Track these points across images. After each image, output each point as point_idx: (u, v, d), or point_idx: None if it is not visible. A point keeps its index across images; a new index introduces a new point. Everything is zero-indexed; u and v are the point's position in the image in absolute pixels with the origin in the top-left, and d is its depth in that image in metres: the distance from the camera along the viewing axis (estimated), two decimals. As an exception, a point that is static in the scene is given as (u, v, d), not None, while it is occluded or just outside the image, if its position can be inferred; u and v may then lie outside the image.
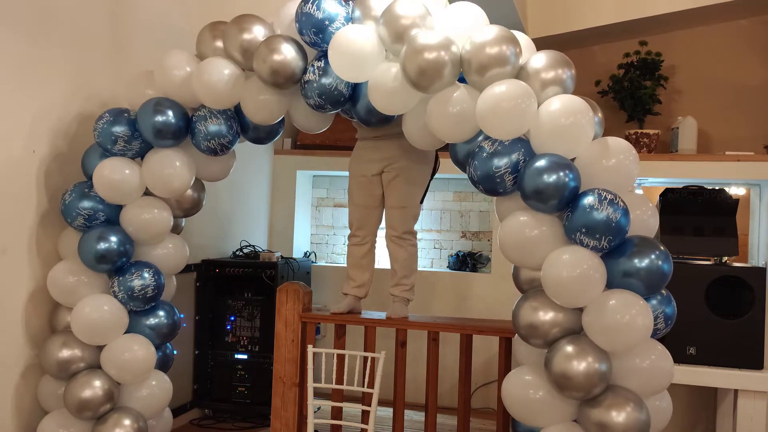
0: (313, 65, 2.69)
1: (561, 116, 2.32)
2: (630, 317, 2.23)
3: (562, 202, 2.32)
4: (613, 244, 2.27)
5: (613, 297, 2.27)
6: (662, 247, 2.31)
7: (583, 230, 2.26)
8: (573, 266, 2.26)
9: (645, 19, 4.66)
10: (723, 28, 4.84)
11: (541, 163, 2.32)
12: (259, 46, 2.68)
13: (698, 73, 4.87)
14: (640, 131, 4.61)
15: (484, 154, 2.42)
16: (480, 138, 2.49)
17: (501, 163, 2.39)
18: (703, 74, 4.86)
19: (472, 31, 2.46)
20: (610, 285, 2.32)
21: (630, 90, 4.69)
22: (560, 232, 2.37)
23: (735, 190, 4.85)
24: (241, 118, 2.95)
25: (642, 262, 2.27)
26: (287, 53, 2.65)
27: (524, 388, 2.47)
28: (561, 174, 2.29)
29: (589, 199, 2.27)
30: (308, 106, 2.77)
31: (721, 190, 3.64)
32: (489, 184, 2.44)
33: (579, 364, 2.26)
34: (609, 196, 2.26)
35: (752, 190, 4.77)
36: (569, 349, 2.30)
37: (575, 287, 2.27)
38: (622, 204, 2.26)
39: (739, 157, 4.34)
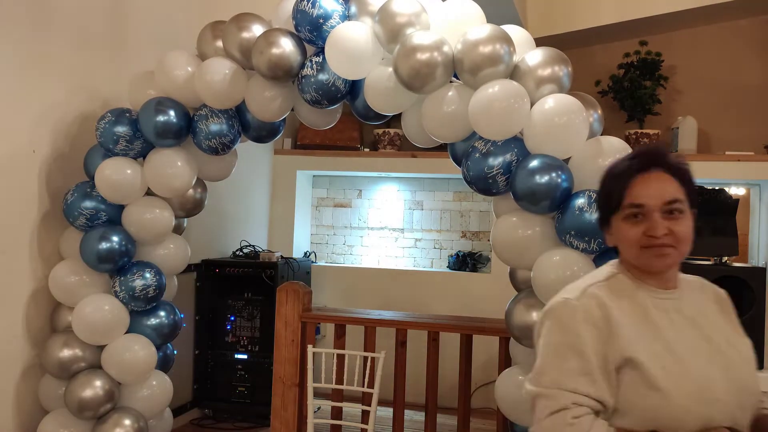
0: (311, 60, 2.68)
1: (554, 115, 2.30)
2: None
3: (554, 203, 2.30)
4: (604, 246, 2.25)
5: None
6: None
7: (573, 232, 2.24)
8: (562, 268, 2.25)
9: (645, 19, 4.66)
10: (723, 28, 4.83)
11: (533, 163, 2.30)
12: (258, 39, 2.67)
13: (698, 73, 4.86)
14: (640, 131, 4.62)
15: (477, 155, 2.41)
16: (474, 138, 2.48)
17: (494, 163, 2.37)
18: (703, 74, 4.85)
19: (467, 28, 2.43)
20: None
21: (630, 90, 4.69)
22: (552, 233, 2.35)
23: (735, 190, 4.86)
24: (242, 116, 2.95)
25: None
26: (285, 46, 2.64)
27: (516, 388, 2.46)
28: (553, 175, 2.26)
29: (579, 201, 2.24)
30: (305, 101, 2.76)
31: (721, 190, 3.63)
32: (482, 185, 2.44)
33: None
34: None
35: (752, 190, 4.77)
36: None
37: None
38: (613, 206, 2.24)
39: (739, 157, 4.34)
